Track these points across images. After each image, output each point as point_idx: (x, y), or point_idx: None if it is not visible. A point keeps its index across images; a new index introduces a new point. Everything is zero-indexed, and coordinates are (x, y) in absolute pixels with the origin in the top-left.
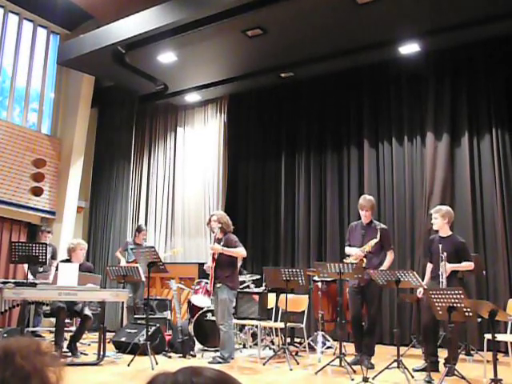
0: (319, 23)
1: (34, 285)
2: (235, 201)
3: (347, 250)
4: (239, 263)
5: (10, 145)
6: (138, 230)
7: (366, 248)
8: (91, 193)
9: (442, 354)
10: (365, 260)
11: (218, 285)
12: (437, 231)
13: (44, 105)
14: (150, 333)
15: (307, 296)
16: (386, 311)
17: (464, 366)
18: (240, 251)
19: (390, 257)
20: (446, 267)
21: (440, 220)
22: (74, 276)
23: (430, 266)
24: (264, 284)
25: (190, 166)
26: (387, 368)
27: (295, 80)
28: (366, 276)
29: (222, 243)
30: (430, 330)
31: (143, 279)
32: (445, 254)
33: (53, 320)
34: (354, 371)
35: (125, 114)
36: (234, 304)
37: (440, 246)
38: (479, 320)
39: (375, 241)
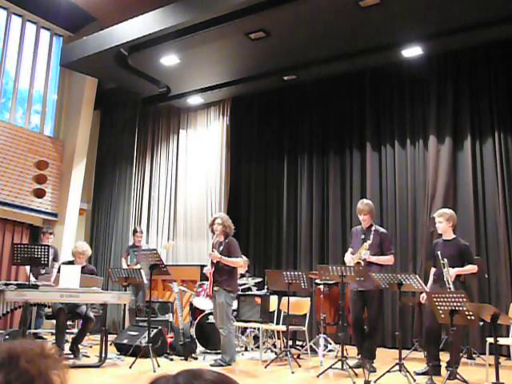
0: (322, 26)
1: (35, 287)
2: (237, 203)
3: (345, 256)
4: (242, 270)
5: (13, 146)
6: (133, 232)
7: (361, 251)
8: (93, 195)
9: (444, 357)
10: (362, 263)
11: (216, 288)
12: (440, 235)
13: (47, 107)
14: (151, 335)
15: (309, 299)
16: (387, 314)
17: (466, 370)
18: (237, 262)
19: (388, 256)
20: (451, 272)
21: (444, 224)
22: (76, 278)
23: (433, 270)
24: (266, 287)
25: (193, 169)
26: (389, 371)
27: (298, 83)
28: (366, 282)
29: (222, 247)
30: (432, 333)
31: (145, 281)
32: (445, 260)
33: (54, 322)
34: (356, 374)
35: (127, 116)
36: (232, 308)
37: (439, 252)
38: (481, 323)
39: (369, 243)
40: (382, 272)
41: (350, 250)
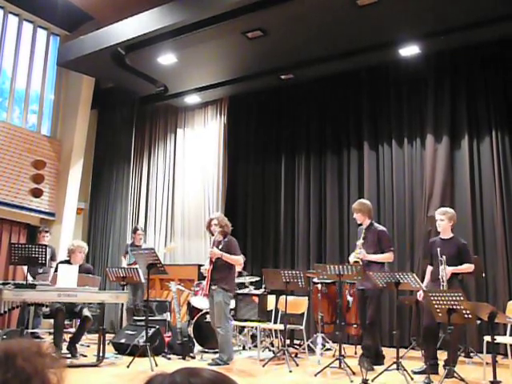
0: (319, 25)
1: (33, 286)
2: (235, 202)
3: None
4: (238, 268)
5: (10, 146)
6: (134, 231)
7: (356, 250)
8: (91, 194)
9: (442, 356)
10: (360, 262)
11: (214, 287)
12: (438, 233)
13: (44, 106)
14: (149, 334)
15: (307, 298)
16: (385, 313)
17: (463, 368)
18: (238, 260)
19: (387, 254)
20: (447, 270)
21: (446, 222)
22: (74, 277)
23: (430, 269)
24: (264, 286)
25: (190, 168)
26: (387, 370)
27: (295, 82)
28: (366, 281)
29: (221, 246)
30: (430, 332)
31: (143, 281)
32: (444, 257)
33: (52, 321)
34: (354, 373)
35: (125, 115)
36: (230, 307)
37: (439, 249)
38: (479, 322)
39: (360, 242)
40: (383, 270)
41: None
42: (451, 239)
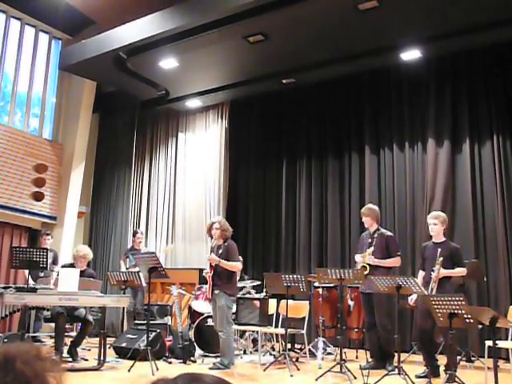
0: (321, 29)
1: (34, 290)
2: (236, 206)
3: (356, 257)
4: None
5: (12, 150)
6: (133, 234)
7: (365, 256)
8: (92, 198)
9: (443, 360)
10: (368, 267)
11: (216, 291)
12: (430, 237)
13: (45, 110)
14: (150, 338)
15: (308, 302)
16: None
17: (465, 373)
18: (236, 266)
19: (394, 258)
20: (440, 272)
21: (439, 226)
22: (75, 281)
23: (421, 274)
24: (265, 290)
25: (191, 172)
26: (388, 374)
27: (296, 86)
28: (369, 284)
29: (221, 250)
30: (425, 334)
31: (144, 284)
32: (441, 258)
33: (53, 325)
34: (355, 377)
35: (126, 119)
36: (232, 311)
37: (439, 250)
38: (480, 327)
39: (372, 249)
40: (390, 275)
41: (358, 254)
42: (444, 243)
